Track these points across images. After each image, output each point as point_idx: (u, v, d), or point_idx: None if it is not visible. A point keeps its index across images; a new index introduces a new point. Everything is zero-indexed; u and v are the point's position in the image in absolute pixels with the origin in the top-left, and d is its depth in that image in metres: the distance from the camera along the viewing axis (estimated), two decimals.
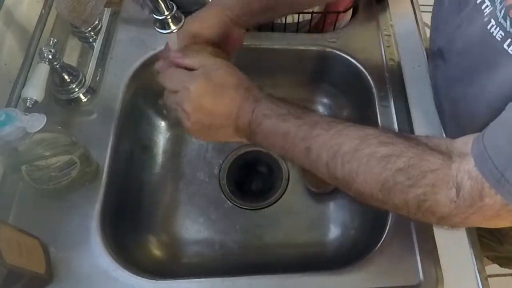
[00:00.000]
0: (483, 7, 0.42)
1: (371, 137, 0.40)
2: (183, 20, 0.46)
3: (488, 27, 0.41)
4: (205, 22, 0.54)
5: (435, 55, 0.57)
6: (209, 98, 0.46)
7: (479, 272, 0.53)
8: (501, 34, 0.40)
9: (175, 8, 0.45)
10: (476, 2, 0.43)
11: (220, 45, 0.54)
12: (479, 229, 0.56)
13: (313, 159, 0.43)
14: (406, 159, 0.38)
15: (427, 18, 0.79)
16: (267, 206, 0.71)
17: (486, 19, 0.42)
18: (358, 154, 0.40)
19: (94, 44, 0.67)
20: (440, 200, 0.37)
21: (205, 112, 0.46)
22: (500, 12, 0.40)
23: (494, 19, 0.41)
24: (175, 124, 0.76)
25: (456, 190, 0.36)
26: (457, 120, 0.53)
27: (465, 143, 0.38)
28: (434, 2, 0.57)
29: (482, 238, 0.74)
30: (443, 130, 0.62)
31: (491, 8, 0.41)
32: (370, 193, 0.40)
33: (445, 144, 0.40)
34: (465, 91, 0.48)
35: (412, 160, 0.38)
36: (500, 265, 0.88)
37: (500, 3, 0.40)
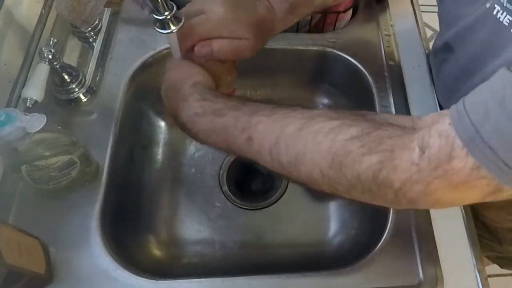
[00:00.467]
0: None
1: (320, 115, 0.36)
2: (183, 20, 0.46)
3: (494, 12, 0.41)
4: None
5: (441, 49, 0.56)
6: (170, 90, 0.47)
7: (479, 272, 0.53)
8: (508, 19, 0.39)
9: (175, 8, 0.45)
10: None
11: None
12: (478, 228, 0.56)
13: (256, 149, 0.39)
14: (360, 128, 0.34)
15: (427, 18, 0.79)
16: (267, 206, 0.71)
17: (488, 4, 0.41)
18: (304, 133, 0.36)
19: (94, 44, 0.67)
20: (399, 165, 0.32)
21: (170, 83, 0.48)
22: None
23: (498, 4, 0.40)
24: (172, 126, 0.76)
25: (419, 150, 0.32)
26: None
27: (440, 112, 0.34)
28: (440, 2, 0.57)
29: (481, 238, 0.74)
30: None
31: None
32: (319, 173, 0.35)
33: (410, 120, 0.36)
34: (473, 80, 0.47)
35: (366, 129, 0.33)
36: (501, 266, 0.88)
37: None
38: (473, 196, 0.32)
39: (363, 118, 0.35)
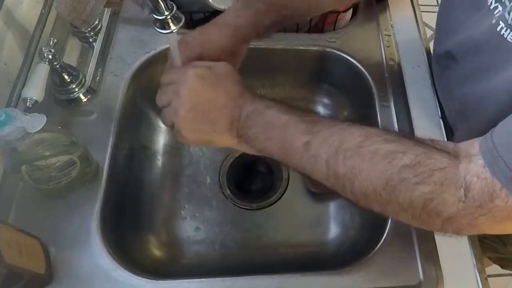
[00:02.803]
0: (495, 12, 0.43)
1: (374, 135, 0.39)
2: (183, 20, 0.46)
3: (498, 29, 0.42)
4: (212, 42, 0.51)
5: (442, 57, 0.57)
6: (208, 83, 0.44)
7: (479, 272, 0.53)
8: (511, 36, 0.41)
9: (175, 8, 0.45)
10: (489, 7, 0.44)
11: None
12: None
13: (312, 154, 0.40)
14: (413, 156, 0.36)
15: (427, 18, 0.79)
16: (267, 206, 0.71)
17: (494, 21, 0.43)
18: (361, 151, 0.38)
19: (94, 44, 0.67)
20: (447, 199, 0.35)
21: (203, 97, 0.44)
22: (509, 14, 0.41)
23: (503, 21, 0.42)
24: (170, 130, 0.76)
25: (464, 190, 0.34)
26: (467, 118, 0.54)
27: (471, 144, 0.37)
28: (442, 5, 0.57)
29: (485, 239, 0.74)
30: (443, 131, 0.62)
31: (501, 11, 0.42)
32: (372, 191, 0.38)
33: (451, 145, 0.38)
34: (475, 89, 0.49)
35: (418, 157, 0.36)
36: (502, 267, 0.88)
37: (510, 5, 0.40)
38: None
39: (414, 142, 0.38)
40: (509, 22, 0.41)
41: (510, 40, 0.41)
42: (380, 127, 0.64)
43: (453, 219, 0.36)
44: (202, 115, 0.44)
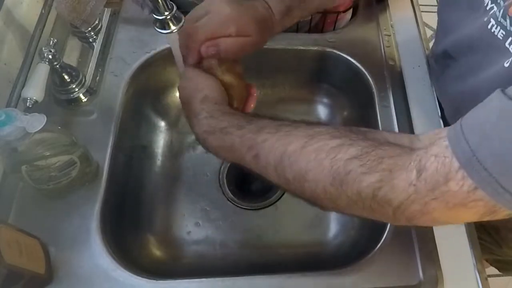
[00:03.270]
0: (491, 12, 0.43)
1: (320, 133, 0.38)
2: (183, 20, 0.46)
3: (489, 26, 0.43)
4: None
5: (440, 56, 0.57)
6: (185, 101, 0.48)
7: (479, 272, 0.53)
8: (502, 33, 0.41)
9: (175, 8, 0.45)
10: (486, 8, 0.44)
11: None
12: (477, 231, 0.56)
13: (262, 165, 0.41)
14: (359, 148, 0.35)
15: (427, 18, 0.79)
16: (267, 206, 0.71)
17: (486, 19, 0.43)
18: (306, 151, 0.37)
19: (94, 44, 0.67)
20: (397, 184, 0.33)
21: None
22: (500, 12, 0.41)
23: (494, 19, 0.42)
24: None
25: (417, 172, 0.33)
26: (460, 115, 0.54)
27: (440, 131, 0.35)
28: (440, 6, 0.57)
29: (481, 241, 0.73)
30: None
31: (495, 10, 0.43)
32: (322, 189, 0.37)
33: (408, 139, 0.37)
34: (468, 86, 0.49)
35: (366, 149, 0.35)
36: (499, 270, 0.88)
37: (503, 4, 0.41)
38: (470, 216, 0.33)
39: (364, 137, 0.36)
40: (499, 20, 0.41)
41: (500, 37, 0.41)
42: (380, 127, 0.64)
43: (403, 206, 0.34)
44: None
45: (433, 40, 0.63)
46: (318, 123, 0.40)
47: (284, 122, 0.41)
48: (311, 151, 0.37)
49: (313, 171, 0.37)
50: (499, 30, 0.42)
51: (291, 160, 0.38)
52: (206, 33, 0.47)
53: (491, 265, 0.87)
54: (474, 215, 0.33)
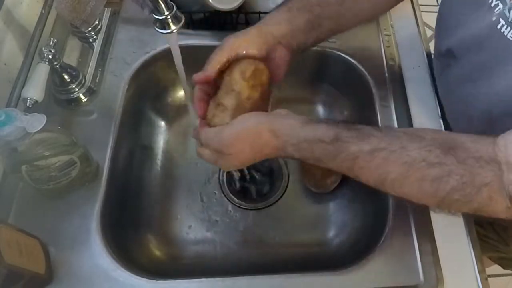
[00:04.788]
0: (496, 9, 0.43)
1: (418, 160, 0.40)
2: (183, 20, 0.46)
3: (498, 26, 0.42)
4: (247, 39, 0.50)
5: (443, 55, 0.57)
6: (234, 139, 0.45)
7: (479, 272, 0.53)
8: None
9: (175, 8, 0.45)
10: (490, 5, 0.44)
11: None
12: (485, 230, 0.56)
13: (361, 181, 0.44)
14: (458, 177, 0.38)
15: (427, 18, 0.79)
16: (267, 206, 0.71)
17: (494, 18, 0.43)
18: (408, 181, 0.40)
19: (94, 44, 0.67)
20: (496, 208, 0.39)
21: (241, 147, 0.45)
22: (509, 12, 0.41)
23: (503, 19, 0.42)
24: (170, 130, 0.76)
25: (509, 200, 0.37)
26: (470, 119, 0.53)
27: (506, 147, 0.38)
28: (443, 2, 0.57)
29: (487, 239, 0.73)
30: (443, 128, 0.62)
31: (501, 8, 0.42)
32: (425, 204, 0.43)
33: (491, 147, 0.39)
34: (477, 89, 0.49)
35: (464, 178, 0.38)
36: (503, 267, 0.88)
37: (510, 3, 0.41)
38: None
39: (456, 160, 0.39)
40: (509, 20, 0.41)
41: (510, 38, 0.41)
42: (380, 127, 0.64)
43: (501, 219, 0.41)
44: (247, 153, 0.46)
45: (434, 38, 0.63)
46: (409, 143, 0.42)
47: (374, 142, 0.41)
48: (413, 181, 0.40)
49: (418, 196, 0.41)
50: (509, 30, 0.42)
51: (394, 186, 0.42)
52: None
53: (495, 262, 0.87)
54: None
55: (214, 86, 0.50)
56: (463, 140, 0.40)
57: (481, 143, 0.40)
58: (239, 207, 0.70)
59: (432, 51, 0.69)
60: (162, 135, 0.75)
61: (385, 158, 0.41)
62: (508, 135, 0.38)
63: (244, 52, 0.49)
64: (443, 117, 0.63)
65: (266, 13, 0.69)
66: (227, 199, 0.71)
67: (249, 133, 0.45)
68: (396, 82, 0.68)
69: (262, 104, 0.51)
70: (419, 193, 0.41)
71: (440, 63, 0.60)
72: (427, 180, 0.39)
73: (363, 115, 0.71)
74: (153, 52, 0.68)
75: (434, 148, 0.40)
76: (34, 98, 0.55)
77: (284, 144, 0.44)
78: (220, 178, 0.72)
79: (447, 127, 0.63)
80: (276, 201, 0.71)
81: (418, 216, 0.56)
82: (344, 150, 0.42)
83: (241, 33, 0.50)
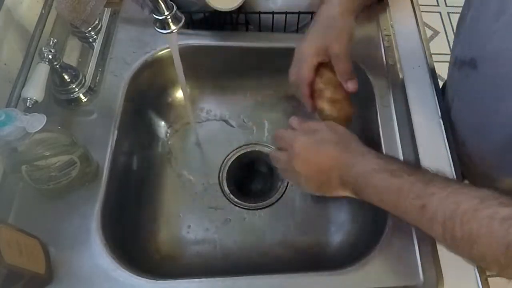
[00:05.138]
0: None
1: (490, 197, 0.39)
2: (183, 20, 0.46)
3: None
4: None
5: (466, 64, 0.56)
6: (311, 152, 0.49)
7: (479, 272, 0.53)
8: None
9: (175, 8, 0.45)
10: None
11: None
12: None
13: (428, 217, 0.41)
14: None
15: (427, 18, 0.79)
16: (267, 206, 0.71)
17: None
18: (478, 214, 0.38)
19: (94, 44, 0.67)
20: None
21: (311, 166, 0.49)
22: None
23: None
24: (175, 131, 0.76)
25: None
26: (484, 133, 0.53)
27: None
28: (472, 11, 0.55)
29: None
30: (443, 131, 0.62)
31: None
32: (491, 255, 0.38)
33: None
34: (497, 103, 0.48)
35: None
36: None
37: None
38: None
39: None
40: None
41: None
42: (380, 127, 0.64)
43: None
44: (314, 179, 0.50)
45: (454, 45, 0.61)
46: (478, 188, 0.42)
47: (450, 178, 0.43)
48: (484, 216, 0.38)
49: (485, 237, 0.38)
50: None
51: (463, 220, 0.39)
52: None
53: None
54: None
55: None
56: None
57: None
58: (239, 207, 0.70)
59: (431, 52, 0.69)
60: (162, 135, 0.75)
61: (459, 188, 0.41)
62: None
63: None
64: (443, 117, 0.63)
65: (266, 13, 0.70)
66: (227, 199, 0.71)
67: (321, 169, 0.49)
68: (396, 82, 0.68)
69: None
70: (487, 234, 0.38)
71: (461, 74, 0.58)
72: (497, 218, 0.37)
73: (363, 115, 0.71)
74: (153, 52, 0.68)
75: (504, 194, 0.39)
76: (34, 98, 0.55)
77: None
78: (221, 178, 0.73)
79: (447, 127, 0.63)
80: (276, 201, 0.71)
81: None
82: (421, 172, 0.43)
83: (313, 38, 0.56)
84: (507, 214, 0.37)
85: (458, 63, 0.59)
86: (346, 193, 0.49)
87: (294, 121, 0.54)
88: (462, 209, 0.39)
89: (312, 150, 0.49)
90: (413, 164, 0.46)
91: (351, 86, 0.56)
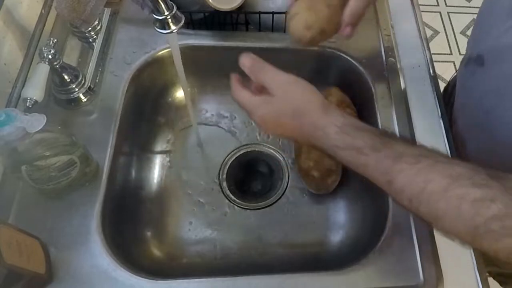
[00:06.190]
0: None
1: (463, 177, 0.37)
2: (183, 20, 0.46)
3: None
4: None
5: (472, 61, 0.55)
6: (271, 124, 0.47)
7: (479, 272, 0.53)
8: None
9: (175, 8, 0.45)
10: None
11: None
12: None
13: (395, 191, 0.40)
14: (502, 206, 0.35)
15: (427, 18, 0.79)
16: (267, 206, 0.71)
17: None
18: (448, 195, 0.37)
19: (94, 44, 0.67)
20: None
21: (277, 133, 0.47)
22: None
23: None
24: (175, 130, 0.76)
25: None
26: (490, 131, 0.52)
27: None
28: (482, 8, 0.55)
29: (485, 255, 0.73)
30: (443, 131, 0.62)
31: None
32: (456, 233, 0.38)
33: None
34: (502, 101, 0.47)
35: (507, 209, 0.35)
36: (501, 284, 0.87)
37: None
38: None
39: (504, 188, 0.36)
40: None
41: None
42: (380, 127, 0.64)
43: None
44: (285, 137, 0.49)
45: (468, 43, 0.60)
46: (455, 159, 0.41)
47: (422, 151, 0.40)
48: (453, 197, 0.37)
49: (452, 217, 0.37)
50: None
51: (430, 199, 0.38)
52: None
53: (493, 278, 0.86)
54: None
55: None
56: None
57: None
58: (239, 207, 0.70)
59: (431, 52, 0.69)
60: (162, 135, 0.75)
61: (429, 165, 0.39)
62: None
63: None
64: (443, 117, 0.63)
65: (266, 13, 0.70)
66: (227, 199, 0.71)
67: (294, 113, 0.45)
68: (396, 82, 0.68)
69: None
70: (455, 214, 0.37)
71: (467, 70, 0.58)
72: (467, 199, 0.36)
73: (363, 115, 0.71)
74: (153, 52, 0.68)
75: (482, 171, 0.37)
76: (34, 98, 0.55)
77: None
78: (221, 178, 0.73)
79: (447, 127, 0.63)
80: (276, 201, 0.71)
81: None
82: (390, 147, 0.41)
83: None
84: (479, 196, 0.36)
85: (465, 59, 0.58)
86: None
87: (246, 61, 0.49)
88: (431, 188, 0.38)
89: (272, 122, 0.46)
90: (384, 133, 0.43)
91: (347, 31, 0.52)
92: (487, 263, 0.74)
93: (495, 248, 0.36)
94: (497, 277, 0.84)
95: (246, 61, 0.48)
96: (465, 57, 0.60)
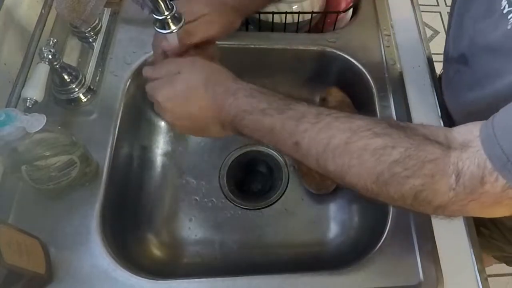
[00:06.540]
0: (509, 16, 0.43)
1: (363, 129, 0.38)
2: (183, 20, 0.46)
3: None
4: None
5: (454, 60, 0.56)
6: (178, 105, 0.46)
7: (479, 272, 0.53)
8: None
9: (175, 8, 0.45)
10: (502, 11, 0.44)
11: None
12: (490, 230, 0.56)
13: (302, 153, 0.41)
14: (403, 150, 0.36)
15: (427, 18, 0.79)
16: (267, 206, 0.71)
17: (510, 27, 0.42)
18: (350, 147, 0.38)
19: (94, 44, 0.67)
20: (438, 189, 0.36)
21: (184, 117, 0.46)
22: None
23: None
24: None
25: (455, 177, 0.35)
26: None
27: (470, 130, 0.36)
28: (457, 8, 0.56)
29: (492, 239, 0.73)
30: None
31: None
32: (363, 185, 0.38)
33: (443, 134, 0.38)
34: (485, 93, 0.48)
35: (408, 151, 0.36)
36: (507, 264, 0.87)
37: None
38: (504, 212, 0.36)
39: (404, 134, 0.37)
40: None
41: None
42: (374, 118, 0.64)
43: (444, 207, 0.37)
44: (195, 129, 0.48)
45: (445, 43, 0.61)
46: (356, 114, 0.41)
47: (322, 110, 0.41)
48: (354, 149, 0.38)
49: (356, 168, 0.38)
50: None
51: (334, 154, 0.39)
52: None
53: (499, 260, 0.86)
54: (507, 211, 0.36)
55: None
56: (416, 125, 0.39)
57: (435, 128, 0.39)
58: (239, 207, 0.70)
59: (431, 52, 0.69)
60: (162, 135, 0.75)
61: (329, 122, 0.40)
62: (465, 125, 0.38)
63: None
64: (443, 117, 0.63)
65: (266, 13, 0.70)
66: (227, 199, 0.71)
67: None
68: (396, 82, 0.68)
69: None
70: (358, 165, 0.37)
71: (452, 68, 0.59)
72: (369, 149, 0.37)
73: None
74: (153, 52, 0.68)
75: (383, 122, 0.39)
76: (34, 98, 0.55)
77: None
78: (220, 178, 0.73)
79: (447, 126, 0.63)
80: (276, 201, 0.71)
81: (418, 216, 0.56)
82: (293, 108, 0.42)
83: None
84: (379, 145, 0.37)
85: (448, 59, 0.59)
86: (229, 133, 0.47)
87: (147, 72, 0.49)
88: (333, 143, 0.38)
89: (179, 101, 0.45)
90: (288, 97, 0.44)
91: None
92: (493, 249, 0.74)
93: (402, 191, 0.37)
94: (503, 258, 0.84)
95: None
96: (446, 56, 0.60)
